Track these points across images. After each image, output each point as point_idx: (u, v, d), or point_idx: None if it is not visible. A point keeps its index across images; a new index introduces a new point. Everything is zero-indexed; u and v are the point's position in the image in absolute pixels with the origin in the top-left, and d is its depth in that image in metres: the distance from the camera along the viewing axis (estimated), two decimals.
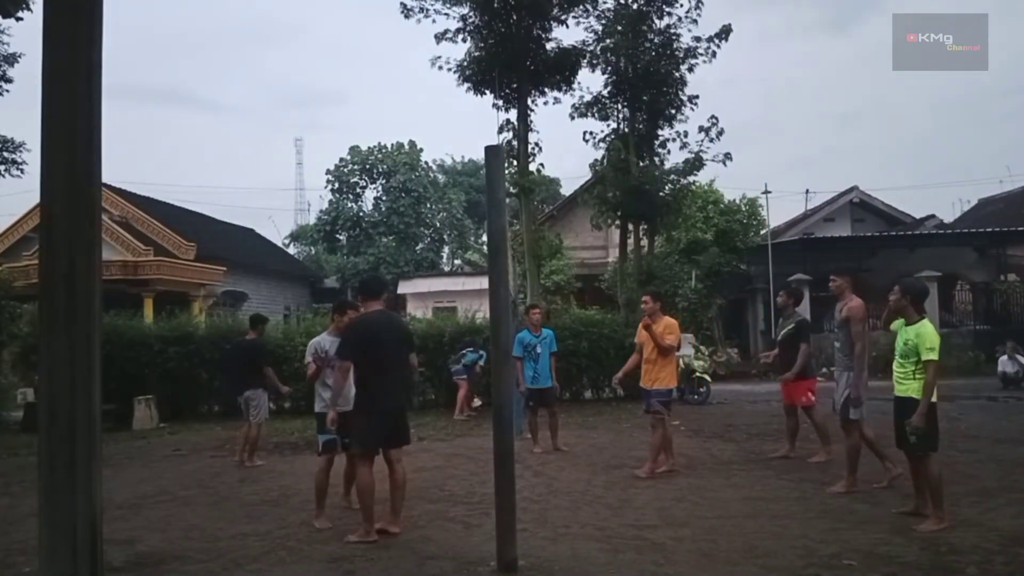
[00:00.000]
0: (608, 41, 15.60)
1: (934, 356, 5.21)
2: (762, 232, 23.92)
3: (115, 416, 12.29)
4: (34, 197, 21.80)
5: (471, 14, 15.53)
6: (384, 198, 40.99)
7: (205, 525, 5.95)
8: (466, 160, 51.54)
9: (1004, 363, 15.28)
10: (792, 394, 8.15)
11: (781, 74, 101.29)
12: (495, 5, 15.26)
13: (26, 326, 13.60)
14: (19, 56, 15.73)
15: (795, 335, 8.08)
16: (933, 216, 27.70)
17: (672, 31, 15.56)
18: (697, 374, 13.99)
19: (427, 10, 15.71)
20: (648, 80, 15.42)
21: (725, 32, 15.45)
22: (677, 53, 15.57)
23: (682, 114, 15.88)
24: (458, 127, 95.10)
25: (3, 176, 17.00)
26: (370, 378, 5.26)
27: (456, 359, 12.64)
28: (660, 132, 16.13)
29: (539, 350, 8.91)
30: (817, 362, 11.52)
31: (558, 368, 9.36)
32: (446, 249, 46.32)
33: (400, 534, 5.37)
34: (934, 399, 5.28)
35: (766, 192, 27.21)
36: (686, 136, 15.81)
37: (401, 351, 5.54)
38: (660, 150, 16.26)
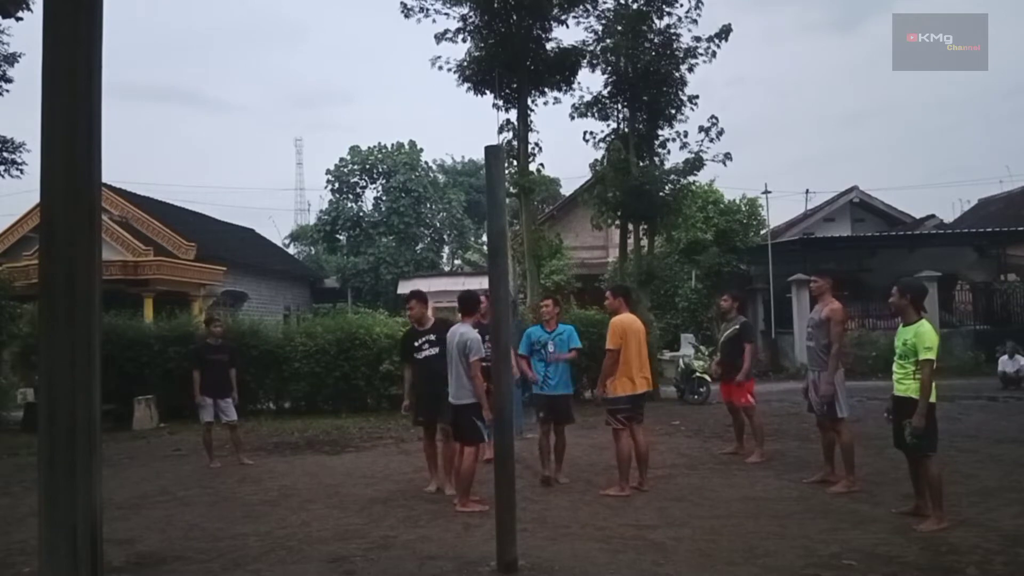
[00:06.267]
0: (608, 41, 15.56)
1: (931, 356, 5.20)
2: (762, 232, 23.92)
3: (115, 416, 12.28)
4: (34, 197, 21.78)
5: (471, 14, 15.49)
6: (384, 198, 40.94)
7: (205, 525, 5.95)
8: (466, 160, 51.52)
9: (1004, 363, 15.28)
10: (732, 394, 8.37)
11: (784, 74, 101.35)
12: (495, 5, 15.23)
13: (26, 326, 13.59)
14: (19, 56, 15.70)
15: (738, 337, 8.38)
16: (933, 216, 27.69)
17: (672, 31, 15.54)
18: (697, 374, 13.98)
19: (427, 10, 15.70)
20: (648, 80, 15.38)
21: (725, 32, 15.42)
22: (677, 53, 15.53)
23: (682, 114, 15.84)
24: (458, 127, 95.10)
25: (3, 176, 16.94)
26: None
27: None
28: (660, 132, 16.07)
29: (551, 348, 7.29)
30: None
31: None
32: (446, 249, 46.31)
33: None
34: (933, 399, 5.28)
35: (766, 192, 27.22)
36: (686, 136, 15.78)
37: None
38: (660, 150, 16.21)
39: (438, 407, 6.76)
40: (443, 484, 6.90)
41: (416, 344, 7.05)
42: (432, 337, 6.95)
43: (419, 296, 7.33)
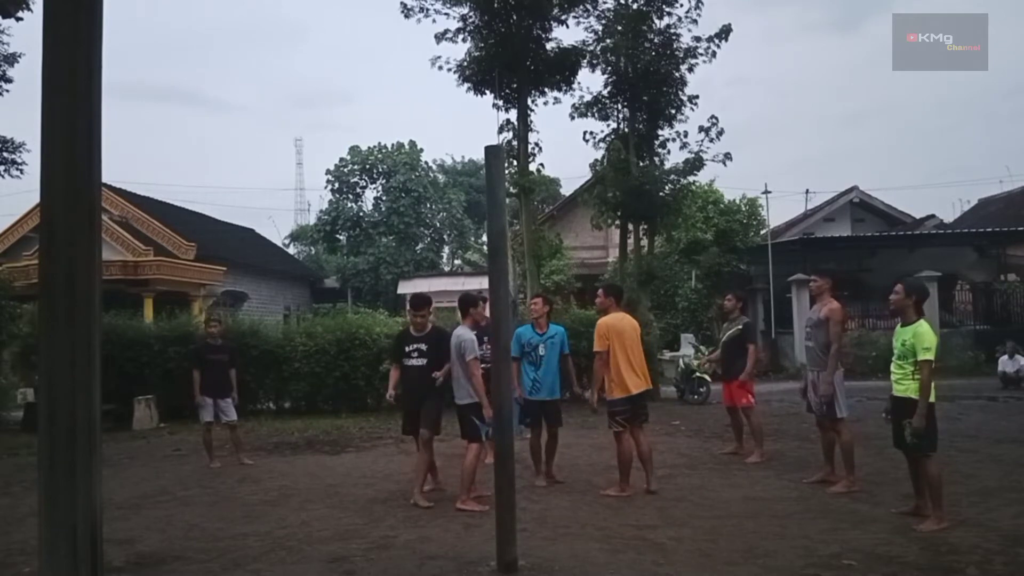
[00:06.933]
0: (608, 41, 15.56)
1: (930, 356, 5.20)
2: (762, 232, 23.93)
3: (115, 416, 12.27)
4: (34, 197, 21.79)
5: (471, 14, 15.50)
6: (384, 198, 40.94)
7: (205, 525, 5.95)
8: (466, 160, 51.55)
9: (1004, 363, 15.28)
10: (732, 395, 8.41)
11: (784, 74, 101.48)
12: (495, 5, 15.23)
13: (26, 326, 13.59)
14: (19, 56, 15.70)
15: (740, 337, 8.39)
16: (933, 216, 27.70)
17: (672, 31, 15.55)
18: (697, 374, 13.98)
19: (427, 10, 15.71)
20: (648, 80, 15.39)
21: (725, 32, 15.42)
22: (677, 53, 15.55)
23: (682, 114, 15.86)
24: (458, 127, 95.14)
25: (3, 176, 16.95)
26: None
27: None
28: (660, 132, 16.08)
29: (542, 352, 7.10)
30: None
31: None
32: (446, 249, 46.32)
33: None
34: (932, 399, 5.28)
35: (766, 192, 27.27)
36: (686, 136, 15.80)
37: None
38: (660, 150, 16.23)
39: (417, 417, 6.65)
40: (417, 497, 6.47)
41: (407, 349, 6.80)
42: (423, 347, 6.68)
43: (431, 304, 7.05)
